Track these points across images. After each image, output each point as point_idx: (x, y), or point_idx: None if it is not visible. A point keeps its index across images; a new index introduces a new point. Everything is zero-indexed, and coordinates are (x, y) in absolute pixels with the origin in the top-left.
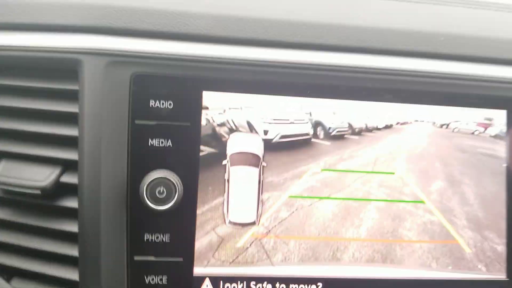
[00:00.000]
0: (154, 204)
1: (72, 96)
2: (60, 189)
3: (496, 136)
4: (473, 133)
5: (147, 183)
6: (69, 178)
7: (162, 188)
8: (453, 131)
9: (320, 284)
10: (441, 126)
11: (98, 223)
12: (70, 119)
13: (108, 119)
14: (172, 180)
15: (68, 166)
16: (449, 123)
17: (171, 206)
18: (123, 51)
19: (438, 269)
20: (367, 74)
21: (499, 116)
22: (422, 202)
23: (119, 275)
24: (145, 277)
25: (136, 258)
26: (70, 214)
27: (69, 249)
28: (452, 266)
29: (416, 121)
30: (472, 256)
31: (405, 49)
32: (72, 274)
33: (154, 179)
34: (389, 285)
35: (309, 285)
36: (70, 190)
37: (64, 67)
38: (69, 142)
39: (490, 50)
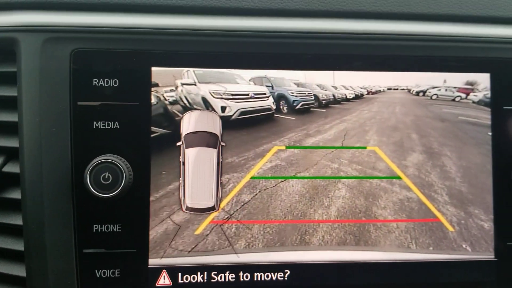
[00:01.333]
0: (99, 192)
1: (12, 79)
2: (4, 180)
3: (479, 102)
4: (453, 100)
5: (90, 168)
6: (13, 168)
7: (107, 173)
8: (430, 98)
9: (287, 271)
10: (417, 93)
11: (42, 214)
12: (11, 104)
13: (48, 101)
14: (117, 164)
15: (12, 155)
16: (426, 90)
17: (118, 193)
18: (61, 25)
19: (417, 250)
20: (332, 39)
21: (481, 80)
22: (397, 177)
23: (68, 270)
24: (96, 271)
25: (85, 250)
26: (16, 206)
27: (15, 243)
28: (433, 246)
29: (389, 89)
30: (455, 235)
31: (374, 10)
32: (19, 271)
33: (97, 164)
34: (363, 269)
35: (276, 273)
36: (15, 180)
37: (0, 47)
38: (12, 130)
39: (469, 7)
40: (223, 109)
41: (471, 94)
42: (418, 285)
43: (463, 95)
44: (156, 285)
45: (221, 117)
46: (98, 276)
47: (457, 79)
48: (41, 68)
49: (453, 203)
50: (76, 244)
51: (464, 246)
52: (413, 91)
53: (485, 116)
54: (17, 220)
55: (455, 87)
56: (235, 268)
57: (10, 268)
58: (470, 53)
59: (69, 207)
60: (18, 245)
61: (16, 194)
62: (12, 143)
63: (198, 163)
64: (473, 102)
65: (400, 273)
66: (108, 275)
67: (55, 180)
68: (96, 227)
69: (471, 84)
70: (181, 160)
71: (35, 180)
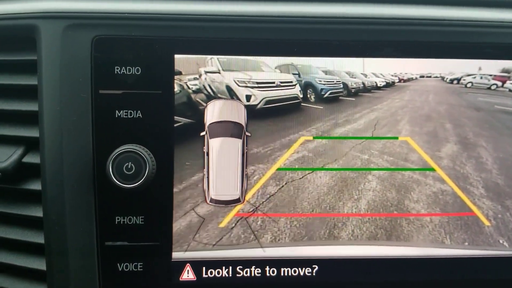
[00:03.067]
0: (121, 182)
1: (32, 68)
2: (24, 171)
3: None
4: (489, 88)
5: (112, 158)
6: (33, 158)
7: (130, 163)
8: (465, 86)
9: (315, 266)
10: (451, 81)
11: (63, 206)
12: (31, 93)
13: (69, 90)
14: (140, 153)
15: (32, 145)
16: (461, 78)
17: (141, 184)
18: (82, 12)
19: (452, 245)
20: (362, 25)
21: None
22: (431, 169)
23: (89, 263)
24: (118, 264)
25: (107, 243)
26: (36, 198)
27: (35, 236)
28: (468, 241)
29: (422, 77)
30: (492, 230)
31: None
32: (39, 264)
33: (120, 153)
34: (395, 265)
35: (303, 268)
36: (35, 171)
37: (21, 35)
38: (33, 119)
39: None
40: (248, 97)
41: (508, 82)
42: (452, 282)
43: (499, 83)
44: (180, 279)
45: (246, 106)
46: (120, 269)
47: (493, 66)
48: (61, 56)
49: (489, 196)
50: (97, 236)
51: (501, 241)
52: (447, 79)
53: None
54: (37, 212)
55: (490, 75)
56: (261, 263)
57: (30, 261)
58: (506, 39)
59: (91, 198)
60: (38, 238)
61: (36, 185)
62: (32, 133)
63: (222, 154)
64: (510, 90)
65: (433, 269)
66: (131, 269)
67: (76, 171)
68: (118, 219)
69: (508, 71)
70: (205, 150)
71: (56, 171)
